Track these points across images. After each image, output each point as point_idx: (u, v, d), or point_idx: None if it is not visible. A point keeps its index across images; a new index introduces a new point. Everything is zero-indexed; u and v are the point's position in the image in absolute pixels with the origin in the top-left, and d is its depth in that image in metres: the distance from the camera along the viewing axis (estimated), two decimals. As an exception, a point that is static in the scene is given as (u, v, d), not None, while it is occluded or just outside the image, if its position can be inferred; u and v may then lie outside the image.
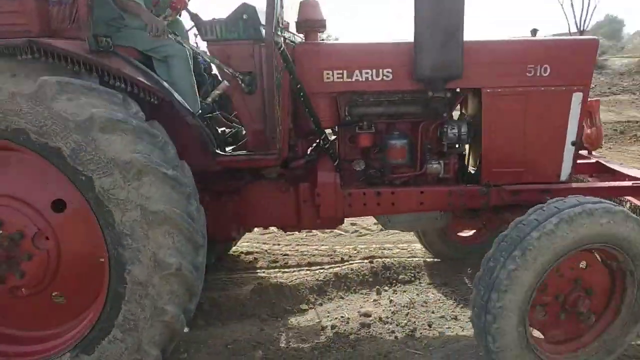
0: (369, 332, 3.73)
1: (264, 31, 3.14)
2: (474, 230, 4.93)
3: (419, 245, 5.26)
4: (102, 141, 2.64)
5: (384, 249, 5.39)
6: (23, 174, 2.96)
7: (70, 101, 2.63)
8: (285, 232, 4.53)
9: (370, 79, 3.39)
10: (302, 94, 3.31)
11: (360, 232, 5.96)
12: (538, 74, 3.38)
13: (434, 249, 5.00)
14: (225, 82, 3.37)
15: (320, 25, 3.48)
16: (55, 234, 2.95)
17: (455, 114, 3.77)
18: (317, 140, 3.71)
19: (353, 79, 3.39)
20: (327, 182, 3.48)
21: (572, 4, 25.78)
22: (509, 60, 3.40)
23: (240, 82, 3.29)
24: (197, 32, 3.56)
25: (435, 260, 4.96)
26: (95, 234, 2.80)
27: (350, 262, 4.96)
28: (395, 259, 4.96)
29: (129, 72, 2.95)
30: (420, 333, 3.70)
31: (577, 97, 3.44)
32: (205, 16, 3.51)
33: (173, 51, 3.40)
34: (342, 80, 3.40)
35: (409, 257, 5.06)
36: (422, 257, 5.06)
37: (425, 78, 3.27)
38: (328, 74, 3.38)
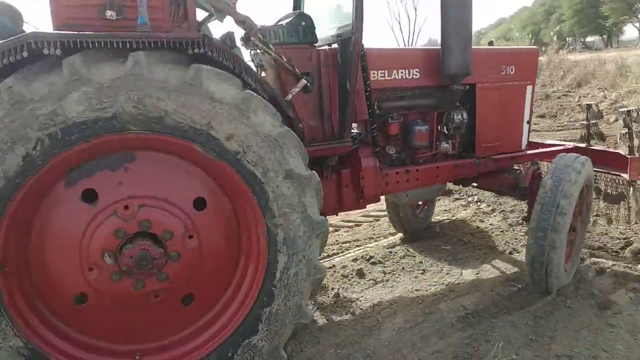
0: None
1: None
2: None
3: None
4: (256, 120, 2.76)
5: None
6: (164, 174, 2.83)
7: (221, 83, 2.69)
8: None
9: (404, 77, 4.17)
10: (368, 90, 3.93)
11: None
12: (508, 73, 4.64)
13: (409, 224, 5.83)
14: (304, 80, 3.62)
15: None
16: (198, 233, 2.89)
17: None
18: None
19: (392, 77, 4.12)
20: (370, 165, 4.01)
21: (400, 28, 28.85)
22: (492, 63, 4.55)
23: (305, 82, 3.63)
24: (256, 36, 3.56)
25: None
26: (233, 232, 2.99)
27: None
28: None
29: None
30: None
31: (529, 89, 4.84)
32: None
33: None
34: (384, 78, 4.09)
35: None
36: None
37: (451, 75, 4.12)
38: (374, 73, 4.01)
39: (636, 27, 47.95)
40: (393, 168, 4.24)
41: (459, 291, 4.46)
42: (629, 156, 4.78)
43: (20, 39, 2.37)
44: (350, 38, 3.64)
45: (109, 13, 2.71)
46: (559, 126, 12.71)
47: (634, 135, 4.87)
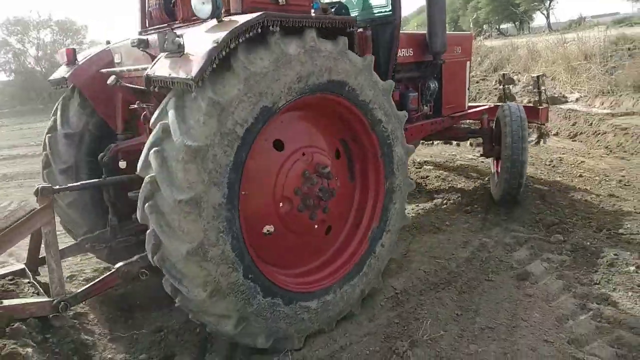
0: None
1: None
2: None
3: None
4: (374, 77, 3.71)
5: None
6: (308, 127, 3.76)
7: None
8: None
9: (404, 55, 5.16)
10: (394, 65, 4.82)
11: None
12: (457, 52, 6.01)
13: None
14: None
15: None
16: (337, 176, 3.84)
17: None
18: None
19: (399, 55, 4.96)
20: None
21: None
22: (451, 44, 5.59)
23: None
24: None
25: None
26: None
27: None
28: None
29: None
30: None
31: (468, 64, 6.37)
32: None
33: None
34: None
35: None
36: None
37: (437, 52, 5.23)
38: None
39: (544, 14, 51.15)
40: None
41: (388, 273, 4.50)
42: (539, 107, 6.65)
43: (258, 18, 2.93)
44: (389, 22, 4.69)
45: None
46: (478, 109, 13.26)
47: (541, 93, 6.83)
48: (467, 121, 7.06)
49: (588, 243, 4.80)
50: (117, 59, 4.29)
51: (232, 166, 2.89)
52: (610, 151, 8.46)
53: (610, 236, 4.92)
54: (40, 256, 3.89)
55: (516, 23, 54.13)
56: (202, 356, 3.48)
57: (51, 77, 4.54)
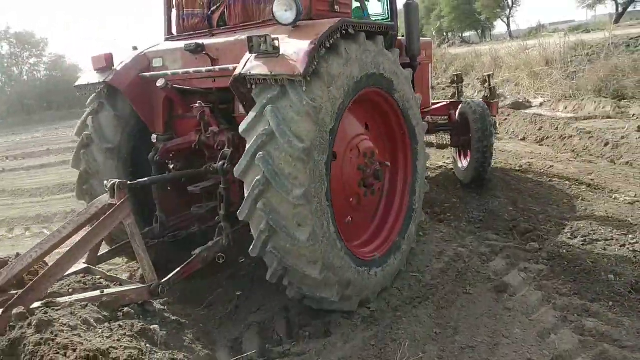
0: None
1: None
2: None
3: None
4: (403, 70, 4.42)
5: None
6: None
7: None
8: None
9: None
10: None
11: None
12: (423, 55, 6.39)
13: None
14: None
15: None
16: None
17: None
18: None
19: None
20: None
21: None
22: (421, 49, 6.00)
23: None
24: None
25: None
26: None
27: None
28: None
29: None
30: None
31: (430, 66, 7.09)
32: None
33: None
34: None
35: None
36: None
37: (414, 55, 5.49)
38: None
39: (505, 22, 52.47)
40: None
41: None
42: (491, 101, 7.37)
43: (339, 23, 3.47)
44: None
45: (336, 7, 4.13)
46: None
47: (491, 89, 7.64)
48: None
49: (564, 251, 4.70)
50: (156, 63, 4.49)
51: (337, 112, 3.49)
52: (578, 155, 8.50)
53: (586, 243, 4.84)
54: (99, 254, 3.98)
55: (478, 31, 55.34)
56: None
57: (79, 83, 4.60)
